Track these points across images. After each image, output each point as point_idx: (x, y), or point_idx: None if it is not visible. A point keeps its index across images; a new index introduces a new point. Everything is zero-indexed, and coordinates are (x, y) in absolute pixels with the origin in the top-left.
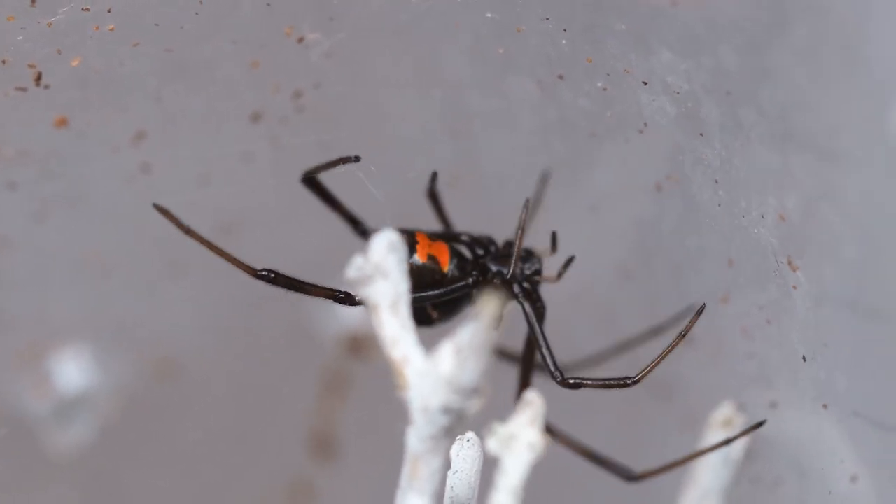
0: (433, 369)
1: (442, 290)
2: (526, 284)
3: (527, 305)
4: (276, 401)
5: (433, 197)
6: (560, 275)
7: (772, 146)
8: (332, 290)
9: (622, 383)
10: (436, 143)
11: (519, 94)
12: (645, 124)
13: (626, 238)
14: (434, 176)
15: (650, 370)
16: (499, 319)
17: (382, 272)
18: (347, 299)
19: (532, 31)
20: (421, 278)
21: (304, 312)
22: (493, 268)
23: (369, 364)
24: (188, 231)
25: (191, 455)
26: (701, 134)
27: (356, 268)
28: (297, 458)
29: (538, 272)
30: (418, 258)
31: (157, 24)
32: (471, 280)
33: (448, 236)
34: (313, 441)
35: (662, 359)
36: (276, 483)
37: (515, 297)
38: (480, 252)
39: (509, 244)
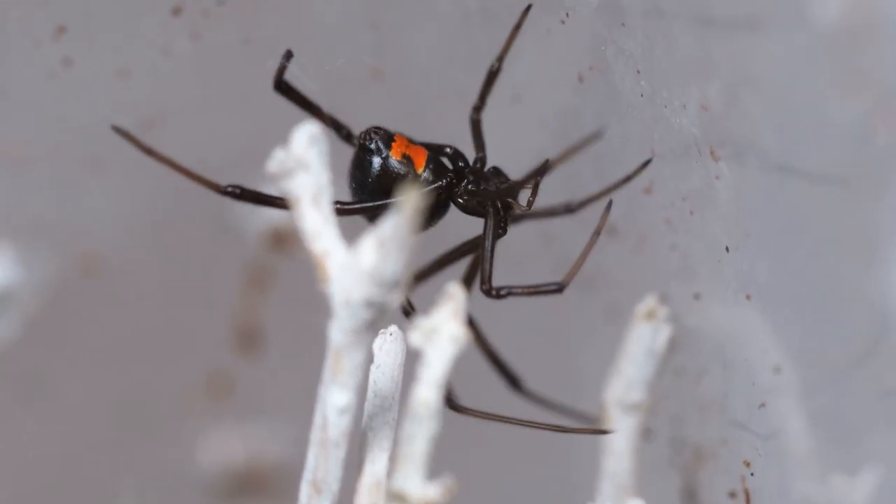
0: (355, 262)
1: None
2: (498, 204)
3: (491, 221)
4: (199, 295)
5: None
6: (529, 204)
7: (694, 34)
8: None
9: (552, 289)
10: (357, 35)
11: None
12: (567, 14)
13: (548, 128)
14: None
15: (575, 271)
16: (433, 214)
17: (303, 165)
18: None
19: None
20: (393, 177)
21: (227, 206)
22: (470, 177)
23: (292, 258)
24: (149, 151)
25: (114, 349)
26: (623, 24)
27: (277, 161)
28: (220, 352)
29: (511, 198)
30: (393, 156)
31: None
32: (443, 182)
33: (432, 146)
34: (236, 335)
35: (585, 257)
36: (198, 376)
37: (484, 208)
38: (461, 164)
39: (496, 170)
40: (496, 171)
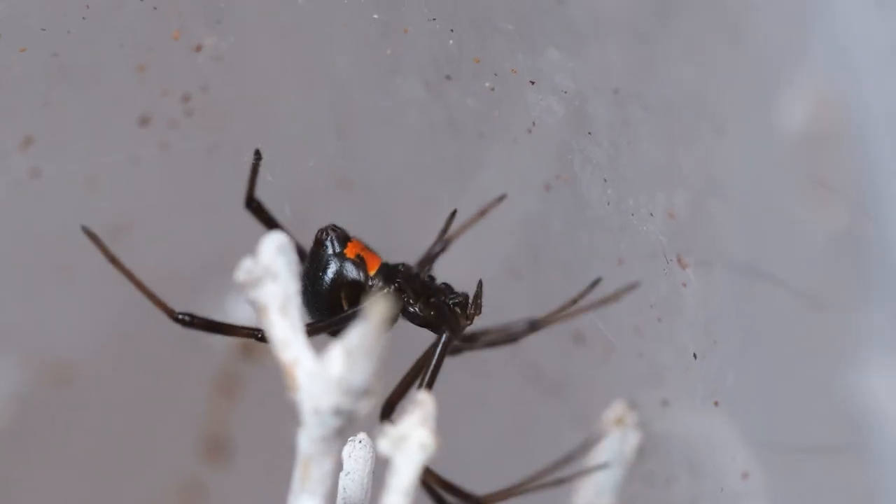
0: (323, 371)
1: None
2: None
3: (444, 336)
4: (168, 403)
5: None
6: (471, 317)
7: (659, 143)
8: (251, 329)
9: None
10: (324, 144)
11: (406, 94)
12: (533, 124)
13: (514, 237)
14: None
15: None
16: (389, 322)
17: (272, 274)
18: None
19: (419, 32)
20: (345, 278)
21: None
22: (419, 287)
23: (260, 366)
24: (113, 259)
25: (84, 458)
26: (589, 133)
27: (245, 270)
28: (190, 460)
29: (462, 309)
30: (347, 255)
31: (43, 30)
32: (391, 288)
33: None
34: (205, 443)
35: (558, 319)
36: (168, 485)
37: (437, 319)
38: (412, 275)
39: (447, 285)
40: (446, 286)
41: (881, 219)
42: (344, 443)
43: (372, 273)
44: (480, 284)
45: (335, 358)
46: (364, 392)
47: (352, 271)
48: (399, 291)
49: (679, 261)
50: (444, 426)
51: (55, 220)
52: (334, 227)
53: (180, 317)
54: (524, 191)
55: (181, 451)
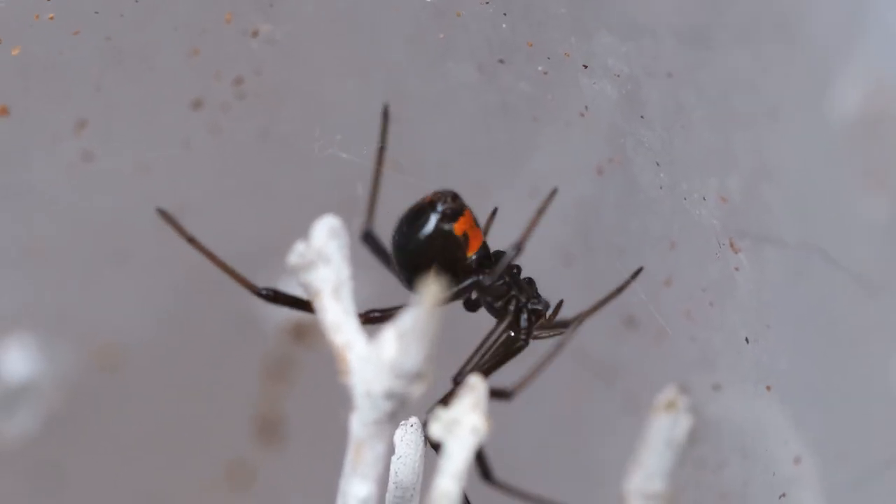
0: (376, 355)
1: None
2: (524, 317)
3: (503, 327)
4: (219, 387)
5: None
6: (550, 320)
7: (712, 127)
8: None
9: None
10: (377, 128)
11: (459, 78)
12: (586, 107)
13: (567, 222)
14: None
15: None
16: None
17: (324, 258)
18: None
19: (472, 16)
20: (444, 246)
21: (248, 299)
22: (506, 278)
23: (313, 350)
24: (191, 239)
25: (135, 442)
26: (642, 116)
27: (298, 254)
28: (241, 443)
29: (538, 317)
30: (455, 231)
31: (96, 13)
32: (479, 278)
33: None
34: (257, 427)
35: (594, 311)
36: (219, 469)
37: (506, 311)
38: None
39: (531, 280)
40: (530, 282)
41: None
42: (396, 426)
43: (471, 255)
44: (560, 304)
45: (387, 341)
46: (416, 376)
47: (451, 250)
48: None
49: (731, 245)
50: (495, 410)
51: (108, 204)
52: (454, 197)
53: (263, 292)
54: (577, 175)
55: (232, 434)
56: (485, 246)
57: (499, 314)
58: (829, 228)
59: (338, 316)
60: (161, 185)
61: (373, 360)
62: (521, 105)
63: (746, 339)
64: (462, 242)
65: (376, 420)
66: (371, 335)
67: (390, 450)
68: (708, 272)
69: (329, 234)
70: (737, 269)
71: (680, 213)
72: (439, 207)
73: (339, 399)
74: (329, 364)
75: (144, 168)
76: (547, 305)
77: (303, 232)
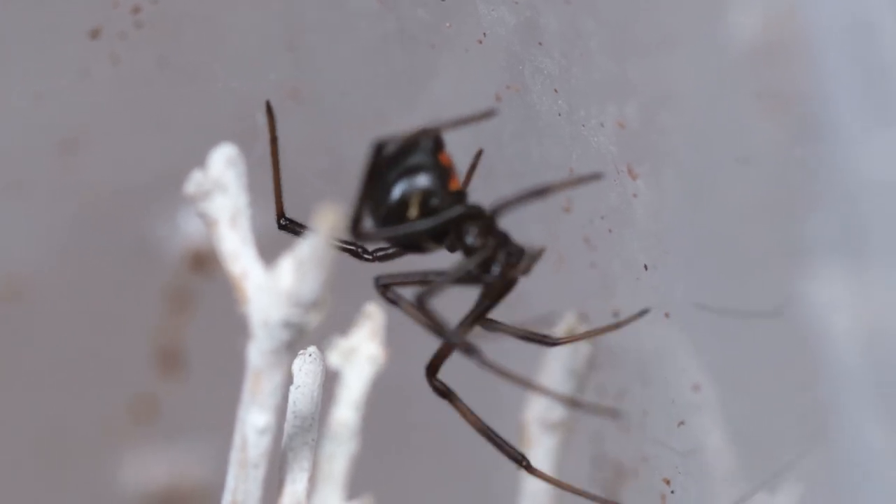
0: (273, 283)
1: (432, 220)
2: (496, 267)
3: (486, 285)
4: (119, 318)
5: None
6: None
7: (611, 54)
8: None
9: (543, 340)
10: (276, 57)
11: (357, 5)
12: (484, 34)
13: (466, 149)
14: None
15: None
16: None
17: (221, 187)
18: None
19: None
20: (432, 173)
21: (148, 229)
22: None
23: (213, 280)
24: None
25: (34, 374)
26: (540, 43)
27: (195, 183)
28: (142, 374)
29: (513, 265)
30: (440, 158)
31: None
32: (458, 211)
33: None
34: (157, 357)
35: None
36: (120, 399)
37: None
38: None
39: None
40: (506, 234)
41: (829, 128)
42: (294, 356)
43: (453, 187)
44: (542, 251)
45: (285, 270)
46: (314, 304)
47: (433, 179)
48: (465, 219)
49: (629, 171)
50: (396, 339)
51: (4, 134)
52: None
53: (283, 222)
54: (475, 102)
55: (133, 364)
56: (461, 192)
57: (475, 254)
58: (726, 153)
59: (235, 245)
60: (59, 115)
61: (270, 289)
62: (420, 32)
63: (645, 266)
64: (445, 172)
65: (274, 349)
66: (268, 264)
67: (288, 379)
68: (607, 198)
69: (226, 163)
70: (635, 195)
71: (578, 140)
72: (423, 141)
73: (240, 329)
74: (229, 294)
75: (41, 97)
76: (522, 252)
77: (201, 162)
